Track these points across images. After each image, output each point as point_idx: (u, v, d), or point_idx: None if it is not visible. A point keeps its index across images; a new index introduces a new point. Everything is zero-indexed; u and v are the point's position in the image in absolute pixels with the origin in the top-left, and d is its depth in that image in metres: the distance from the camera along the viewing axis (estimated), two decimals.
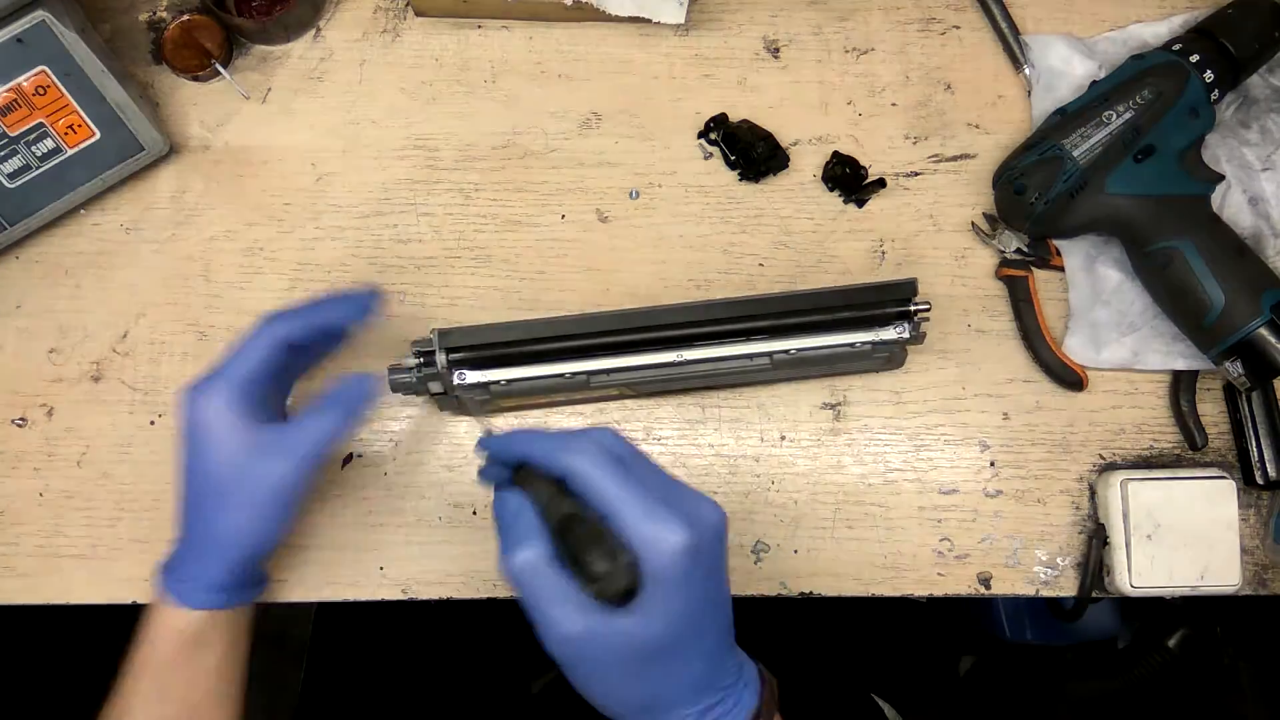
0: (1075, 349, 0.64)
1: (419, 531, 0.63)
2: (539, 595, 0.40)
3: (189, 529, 0.51)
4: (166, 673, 0.50)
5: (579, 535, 0.42)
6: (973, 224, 0.66)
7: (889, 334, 0.59)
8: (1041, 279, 0.65)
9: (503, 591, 0.62)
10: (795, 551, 0.63)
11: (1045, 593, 0.63)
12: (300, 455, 0.49)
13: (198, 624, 0.50)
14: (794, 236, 0.66)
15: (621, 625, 0.40)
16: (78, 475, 0.63)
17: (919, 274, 0.65)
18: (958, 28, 0.69)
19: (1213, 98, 0.61)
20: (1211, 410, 0.65)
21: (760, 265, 0.66)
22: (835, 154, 0.67)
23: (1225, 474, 0.62)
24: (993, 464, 0.64)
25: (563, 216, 0.67)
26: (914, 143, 0.67)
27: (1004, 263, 0.65)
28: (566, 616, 0.40)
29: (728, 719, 0.43)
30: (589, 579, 0.41)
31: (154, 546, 0.62)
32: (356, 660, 0.86)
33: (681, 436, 0.64)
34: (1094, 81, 0.64)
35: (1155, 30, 0.68)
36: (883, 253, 0.66)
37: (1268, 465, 0.62)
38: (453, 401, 0.59)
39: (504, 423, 0.64)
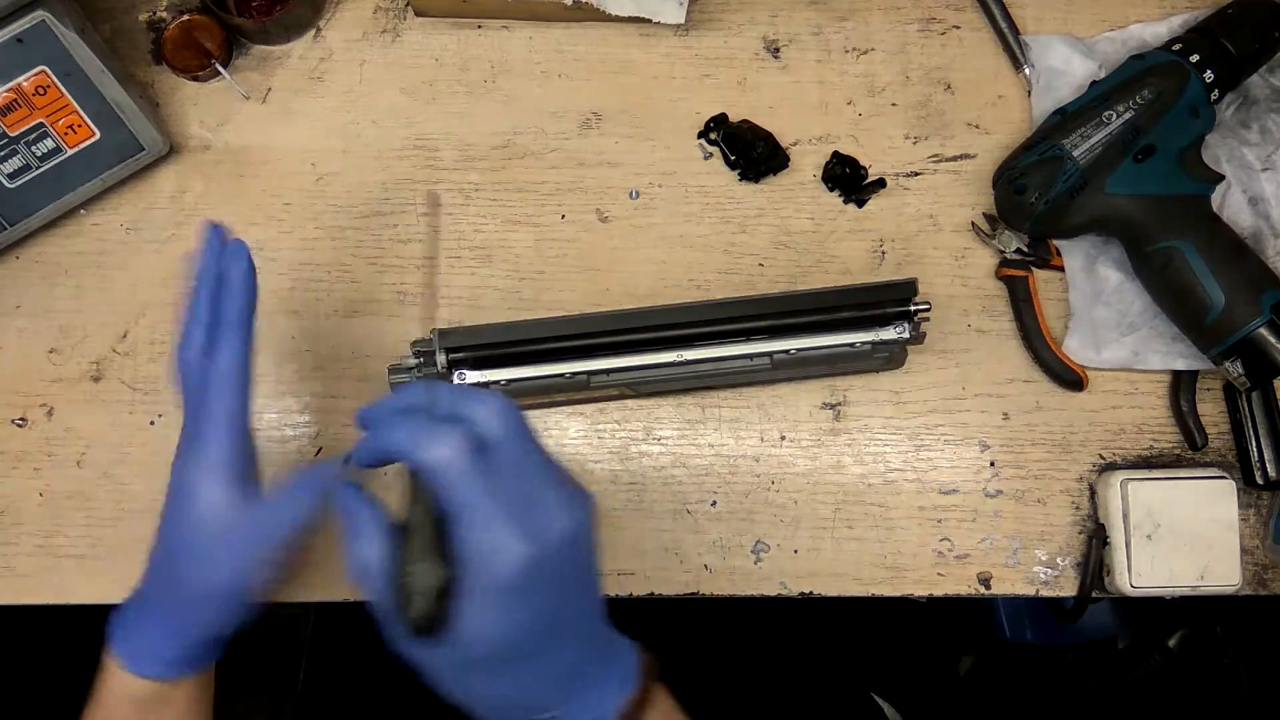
0: (1075, 349, 0.64)
1: None
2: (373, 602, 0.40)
3: (150, 584, 0.49)
4: None
5: (417, 540, 0.39)
6: (973, 224, 0.66)
7: (889, 334, 0.59)
8: (1041, 279, 0.65)
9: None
10: (795, 551, 0.63)
11: (1045, 593, 0.63)
12: (270, 537, 0.46)
13: (150, 690, 0.48)
14: (794, 236, 0.66)
15: (438, 651, 0.39)
16: (78, 475, 0.63)
17: (919, 274, 0.65)
18: (958, 28, 0.69)
19: (1213, 98, 0.61)
20: (1211, 410, 0.65)
21: (760, 265, 0.66)
22: (835, 154, 0.67)
23: (1225, 474, 0.62)
24: (993, 464, 0.64)
25: (563, 216, 0.67)
26: (914, 143, 0.67)
27: (1004, 263, 0.65)
28: (391, 633, 0.39)
29: (600, 708, 0.41)
30: (405, 591, 0.38)
31: None
32: (357, 660, 0.86)
33: (681, 436, 0.64)
34: (1094, 81, 0.64)
35: (1155, 30, 0.68)
36: (883, 253, 0.66)
37: (1268, 465, 0.62)
38: None
39: None
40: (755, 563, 0.63)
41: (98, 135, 0.62)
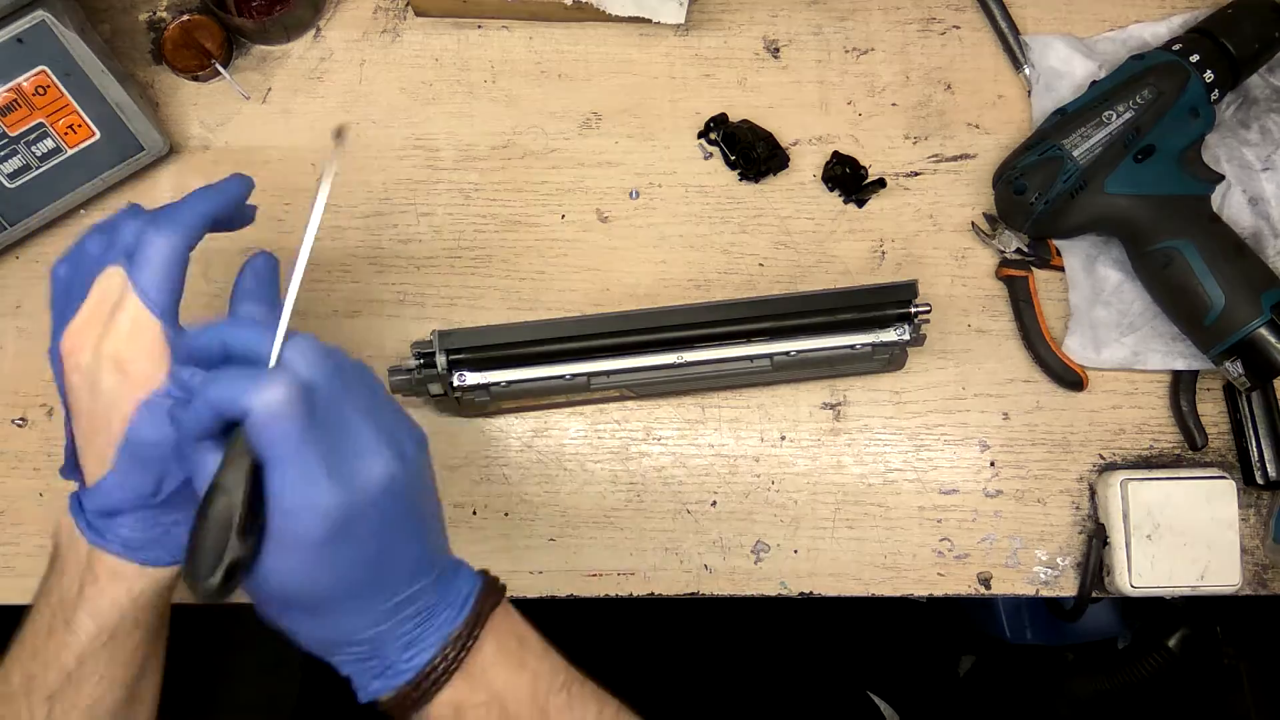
0: (1075, 349, 0.64)
1: None
2: None
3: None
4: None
5: (220, 505, 0.38)
6: (973, 224, 0.66)
7: (889, 336, 0.59)
8: (1041, 279, 0.65)
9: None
10: (795, 551, 0.63)
11: (1045, 593, 0.63)
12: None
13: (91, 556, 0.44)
14: (794, 236, 0.66)
15: (247, 589, 0.39)
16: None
17: (919, 274, 0.65)
18: (958, 28, 0.69)
19: (1213, 98, 0.61)
20: (1211, 410, 0.65)
21: (760, 265, 0.66)
22: (835, 154, 0.67)
23: (1225, 474, 0.62)
24: (993, 464, 0.64)
25: (563, 216, 0.67)
26: (914, 143, 0.67)
27: (1004, 263, 0.65)
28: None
29: (427, 638, 0.41)
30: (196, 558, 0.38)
31: None
32: None
33: (681, 436, 0.64)
34: (1094, 81, 0.64)
35: (1155, 30, 0.68)
36: (883, 253, 0.66)
37: (1268, 465, 0.62)
38: (452, 403, 0.59)
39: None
40: (755, 563, 0.63)
41: (98, 135, 0.62)
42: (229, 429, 0.39)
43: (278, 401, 0.37)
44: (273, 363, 0.39)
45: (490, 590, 0.44)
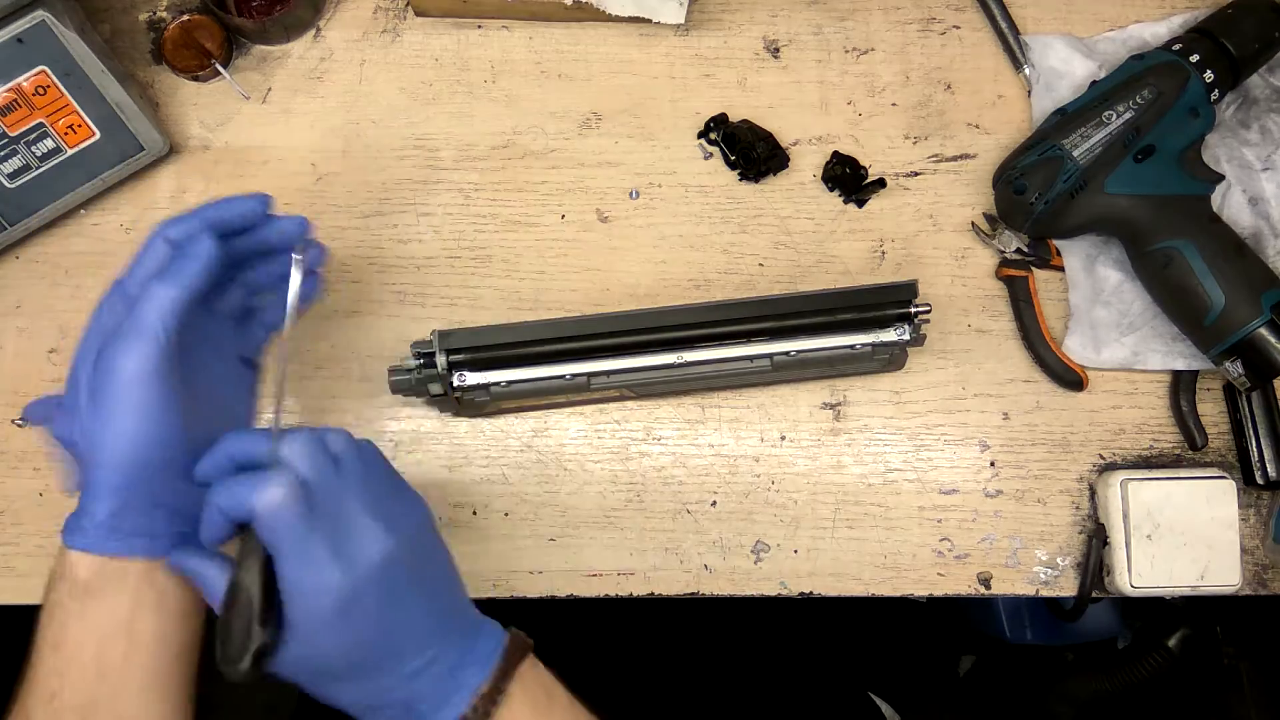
0: (1075, 349, 0.64)
1: None
2: None
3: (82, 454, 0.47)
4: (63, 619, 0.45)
5: (241, 599, 0.43)
6: (973, 224, 0.66)
7: (889, 336, 0.59)
8: (1041, 279, 0.65)
9: (502, 592, 0.62)
10: (795, 551, 0.63)
11: (1045, 593, 0.63)
12: (146, 326, 0.44)
13: (91, 570, 0.45)
14: (794, 236, 0.66)
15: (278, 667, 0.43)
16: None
17: (919, 274, 0.65)
18: (958, 28, 0.69)
19: (1213, 98, 0.61)
20: (1211, 410, 0.65)
21: (760, 265, 0.66)
22: (835, 154, 0.67)
23: (1225, 474, 0.62)
24: (993, 464, 0.64)
25: (563, 216, 0.67)
26: (914, 143, 0.67)
27: (1004, 263, 0.65)
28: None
29: (454, 694, 0.44)
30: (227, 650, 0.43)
31: None
32: None
33: (681, 436, 0.64)
34: (1094, 81, 0.64)
35: (1155, 30, 0.68)
36: (883, 253, 0.66)
37: (1268, 465, 0.62)
38: (452, 403, 0.59)
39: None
40: (755, 563, 0.63)
41: (98, 135, 0.62)
42: (242, 529, 0.44)
43: (278, 500, 0.41)
44: (273, 457, 0.44)
45: (516, 646, 0.47)
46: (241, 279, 0.53)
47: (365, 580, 0.42)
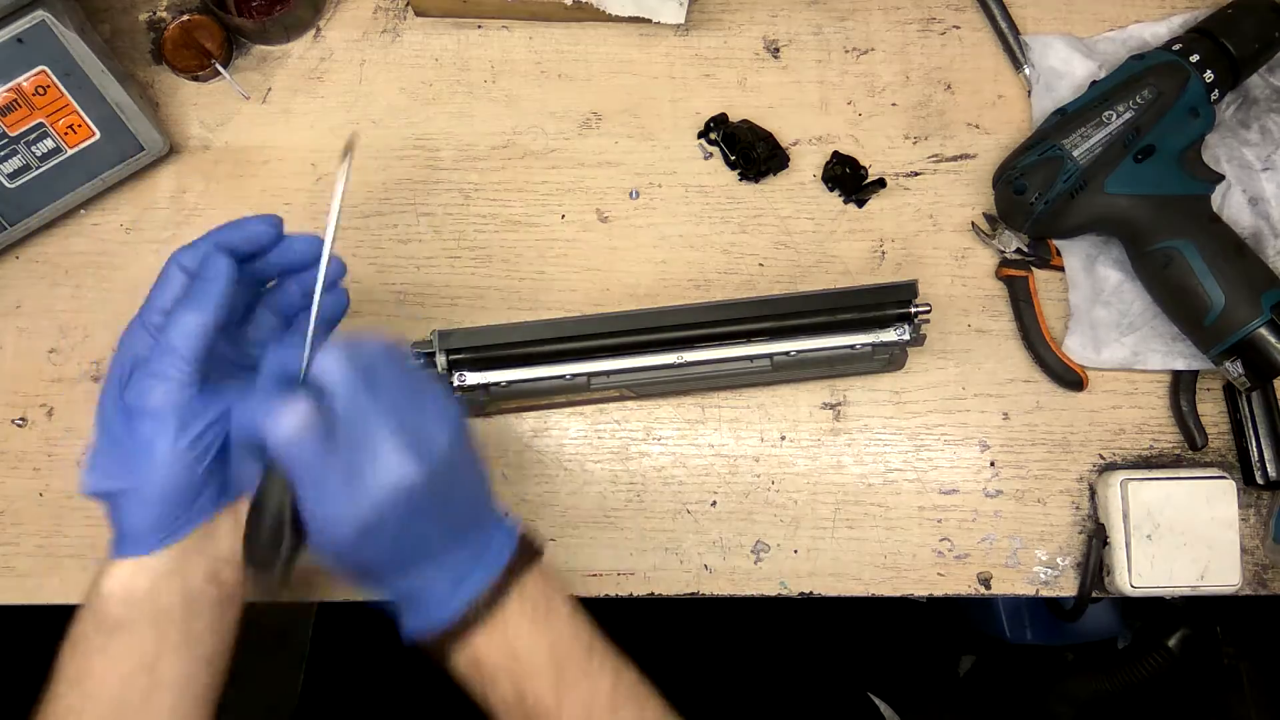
0: (1075, 349, 0.64)
1: None
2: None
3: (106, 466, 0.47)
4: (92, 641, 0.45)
5: (269, 506, 0.44)
6: (973, 224, 0.66)
7: (889, 336, 0.59)
8: (1041, 279, 0.65)
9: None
10: (795, 551, 0.63)
11: (1045, 593, 0.63)
12: (174, 352, 0.44)
13: (128, 575, 0.44)
14: (794, 236, 0.66)
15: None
16: (78, 475, 0.63)
17: (919, 274, 0.65)
18: (958, 28, 0.69)
19: (1213, 98, 0.61)
20: (1211, 410, 0.65)
21: (760, 265, 0.66)
22: (835, 154, 0.67)
23: (1225, 474, 0.62)
24: (993, 464, 0.64)
25: (563, 216, 0.67)
26: (914, 143, 0.67)
27: (1004, 263, 0.65)
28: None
29: (455, 598, 0.45)
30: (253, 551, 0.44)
31: None
32: (358, 660, 0.86)
33: (681, 436, 0.64)
34: (1094, 81, 0.64)
35: (1155, 30, 0.68)
36: (883, 253, 0.66)
37: (1268, 465, 0.62)
38: None
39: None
40: (755, 563, 0.63)
41: (98, 135, 0.62)
42: None
43: (290, 429, 0.41)
44: (303, 375, 0.44)
45: (523, 554, 0.47)
46: (267, 302, 0.52)
47: (382, 509, 0.42)
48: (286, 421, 0.41)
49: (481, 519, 0.47)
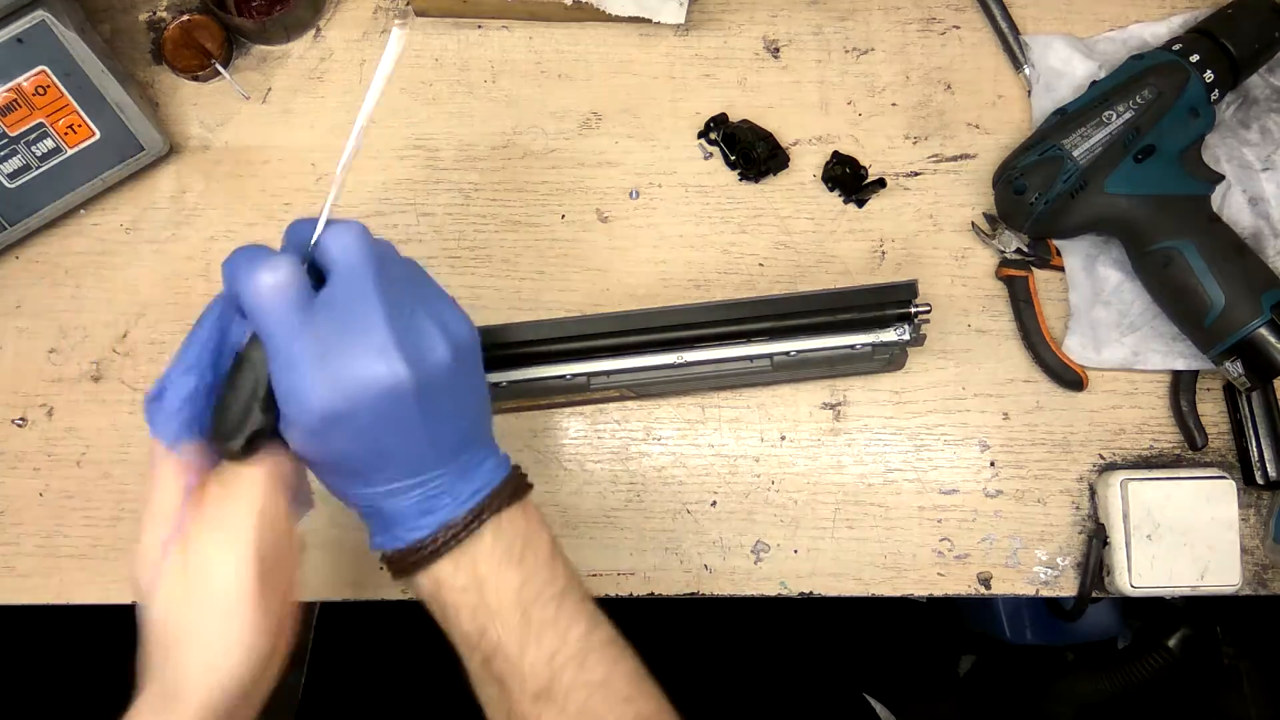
0: (1075, 349, 0.64)
1: None
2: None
3: None
4: None
5: (245, 377, 0.41)
6: (973, 224, 0.66)
7: (889, 336, 0.59)
8: (1041, 279, 0.65)
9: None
10: (795, 551, 0.63)
11: (1045, 593, 0.63)
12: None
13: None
14: (794, 236, 0.66)
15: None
16: (78, 475, 0.63)
17: (919, 274, 0.65)
18: (958, 28, 0.69)
19: (1213, 98, 0.61)
20: (1211, 410, 0.65)
21: (760, 265, 0.66)
22: (835, 154, 0.67)
23: (1225, 474, 0.62)
24: (993, 464, 0.64)
25: (563, 216, 0.67)
26: (914, 143, 0.67)
27: (1004, 263, 0.65)
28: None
29: (425, 521, 0.42)
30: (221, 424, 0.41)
31: None
32: (358, 661, 0.86)
33: (681, 436, 0.64)
34: (1094, 81, 0.64)
35: (1155, 30, 0.68)
36: (883, 253, 0.66)
37: (1268, 465, 0.62)
38: None
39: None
40: (755, 563, 0.63)
41: (98, 135, 0.62)
42: None
43: (267, 287, 0.38)
44: (313, 241, 0.41)
45: (505, 490, 0.44)
46: None
47: (356, 401, 0.39)
48: (262, 279, 0.38)
49: (469, 445, 0.44)
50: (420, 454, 0.42)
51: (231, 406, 0.40)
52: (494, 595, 0.43)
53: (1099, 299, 0.64)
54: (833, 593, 0.63)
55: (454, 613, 0.43)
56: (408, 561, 0.43)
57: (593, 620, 0.45)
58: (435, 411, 0.41)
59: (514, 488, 0.45)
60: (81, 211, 0.66)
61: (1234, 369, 0.59)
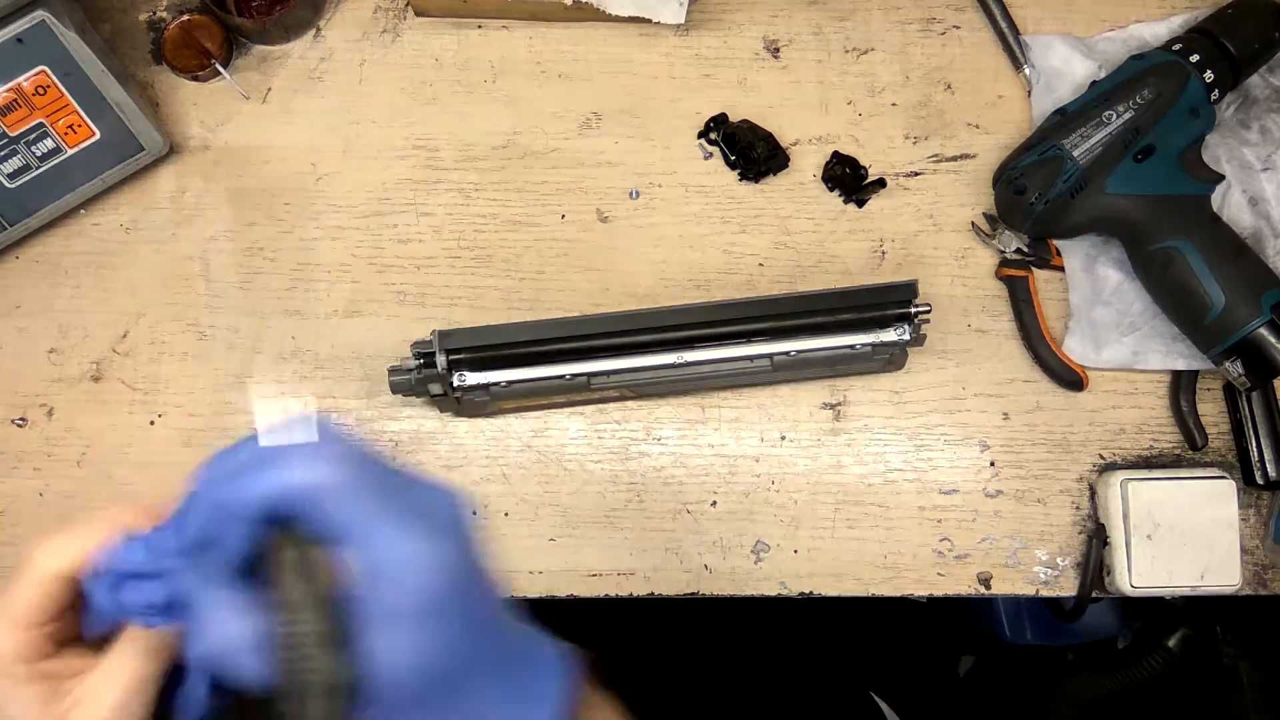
0: (1075, 349, 0.64)
1: None
2: None
3: None
4: None
5: (307, 619, 0.30)
6: (973, 224, 0.66)
7: (889, 336, 0.59)
8: (1041, 279, 0.65)
9: (503, 591, 0.62)
10: (795, 551, 0.63)
11: (1045, 593, 0.63)
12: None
13: None
14: (794, 236, 0.66)
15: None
16: (78, 475, 0.63)
17: (919, 274, 0.65)
18: (958, 28, 0.69)
19: (1213, 98, 0.61)
20: (1211, 410, 0.65)
21: (760, 265, 0.66)
22: (835, 154, 0.67)
23: (1225, 474, 0.62)
24: (993, 464, 0.64)
25: (563, 216, 0.67)
26: (914, 143, 0.67)
27: (1004, 263, 0.65)
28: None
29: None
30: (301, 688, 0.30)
31: None
32: None
33: (681, 436, 0.64)
34: (1094, 81, 0.64)
35: (1155, 30, 0.68)
36: (883, 253, 0.66)
37: (1268, 465, 0.62)
38: (452, 402, 0.59)
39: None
40: (755, 563, 0.63)
41: (98, 135, 0.62)
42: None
43: (339, 466, 0.31)
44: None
45: (581, 667, 0.39)
46: None
47: (451, 548, 0.33)
48: (328, 462, 0.31)
49: (521, 632, 0.38)
50: (493, 642, 0.35)
51: (299, 677, 0.30)
52: None
53: (1099, 299, 0.64)
54: (833, 593, 0.63)
55: None
56: None
57: None
58: (478, 584, 0.35)
59: (581, 673, 0.38)
60: (81, 211, 0.66)
61: (1234, 369, 0.59)
